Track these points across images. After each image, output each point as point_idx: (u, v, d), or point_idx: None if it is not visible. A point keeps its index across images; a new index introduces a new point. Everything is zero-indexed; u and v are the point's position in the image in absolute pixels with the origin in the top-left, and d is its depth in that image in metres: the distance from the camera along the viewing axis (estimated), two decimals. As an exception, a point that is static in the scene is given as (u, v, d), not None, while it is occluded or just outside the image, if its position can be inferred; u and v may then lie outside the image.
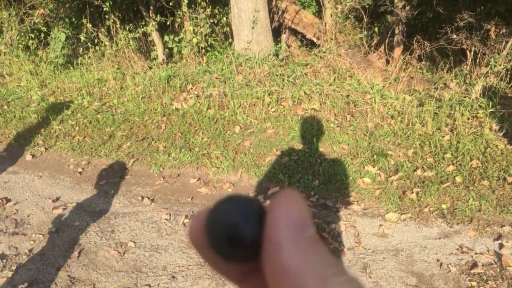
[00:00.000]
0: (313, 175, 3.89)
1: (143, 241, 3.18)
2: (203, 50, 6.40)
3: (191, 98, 5.34)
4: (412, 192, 3.53)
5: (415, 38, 5.58)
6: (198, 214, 0.34)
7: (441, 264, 2.82)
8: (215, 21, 6.64)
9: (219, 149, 4.41)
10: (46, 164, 4.50)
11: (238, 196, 0.33)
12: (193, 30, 6.34)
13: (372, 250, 3.00)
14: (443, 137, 4.24)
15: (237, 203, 0.32)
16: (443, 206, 3.39)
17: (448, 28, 5.47)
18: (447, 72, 5.49)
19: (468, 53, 5.37)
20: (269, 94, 5.10)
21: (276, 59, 5.77)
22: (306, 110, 4.94)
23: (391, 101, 4.75)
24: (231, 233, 0.30)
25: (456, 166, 3.82)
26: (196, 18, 6.44)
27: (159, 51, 7.11)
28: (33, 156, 4.63)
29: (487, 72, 4.95)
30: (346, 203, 3.54)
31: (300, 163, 4.08)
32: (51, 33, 7.29)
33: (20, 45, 7.43)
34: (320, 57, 5.76)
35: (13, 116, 5.51)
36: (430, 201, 3.45)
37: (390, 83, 5.20)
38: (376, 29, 6.83)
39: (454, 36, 5.38)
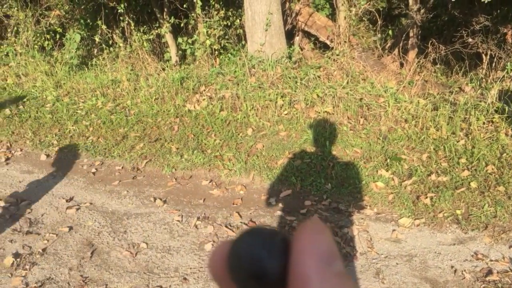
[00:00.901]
0: (326, 179, 3.87)
1: (155, 242, 3.19)
2: (216, 52, 6.42)
3: (204, 99, 5.36)
4: (426, 197, 3.49)
5: (430, 42, 5.53)
6: (219, 246, 0.33)
7: (455, 271, 2.79)
8: (229, 23, 6.66)
9: (232, 151, 4.41)
10: (60, 164, 4.54)
11: (261, 228, 0.32)
12: (207, 32, 6.36)
13: (385, 256, 2.97)
14: (458, 141, 4.19)
15: (260, 236, 0.31)
16: (458, 211, 3.35)
17: (463, 32, 5.41)
18: (462, 75, 5.42)
19: (484, 56, 5.31)
20: (281, 97, 5.09)
21: (289, 62, 5.76)
22: (319, 113, 4.92)
23: (405, 105, 4.70)
24: (255, 268, 0.29)
25: (471, 171, 3.77)
26: (210, 20, 6.46)
27: (172, 53, 7.15)
28: (48, 156, 4.68)
29: (503, 76, 4.88)
30: (359, 207, 3.52)
31: (312, 166, 4.06)
32: (67, 34, 7.37)
33: (35, 46, 7.54)
34: (333, 59, 5.74)
35: (29, 116, 5.58)
36: (445, 207, 3.40)
37: (404, 86, 5.15)
38: (390, 32, 6.78)
39: (470, 39, 5.32)
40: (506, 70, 4.86)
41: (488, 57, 5.24)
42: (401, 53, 6.04)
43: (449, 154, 4.03)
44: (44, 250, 3.10)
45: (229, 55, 6.34)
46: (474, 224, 3.22)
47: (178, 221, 3.44)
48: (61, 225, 3.42)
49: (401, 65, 6.11)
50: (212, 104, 5.26)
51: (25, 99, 6.16)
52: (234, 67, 5.79)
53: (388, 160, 4.03)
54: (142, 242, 3.18)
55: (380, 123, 4.64)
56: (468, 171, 3.77)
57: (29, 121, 5.47)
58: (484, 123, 4.36)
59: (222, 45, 6.54)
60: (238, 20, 6.69)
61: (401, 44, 5.98)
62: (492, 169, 3.75)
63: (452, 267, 2.82)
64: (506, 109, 4.34)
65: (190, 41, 6.65)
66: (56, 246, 3.16)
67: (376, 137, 4.42)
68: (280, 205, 3.62)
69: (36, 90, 6.38)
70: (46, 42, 7.52)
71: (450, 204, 3.42)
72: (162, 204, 3.70)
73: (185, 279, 2.80)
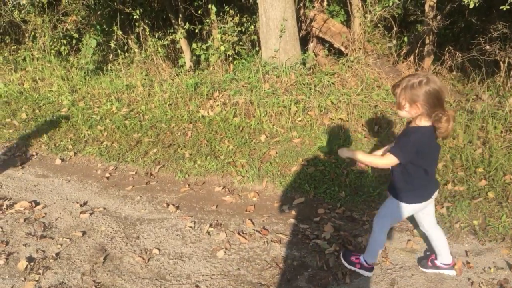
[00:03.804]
0: (340, 186, 3.83)
1: (167, 248, 3.18)
2: (230, 58, 6.43)
3: (217, 105, 5.36)
4: (443, 207, 3.43)
5: (446, 49, 5.46)
6: None
7: (472, 283, 2.72)
8: (243, 30, 6.67)
9: (245, 158, 4.40)
10: (75, 168, 4.57)
11: None
12: (221, 38, 6.38)
13: (400, 266, 2.92)
14: (475, 150, 4.12)
15: None
16: (475, 222, 3.28)
17: (481, 39, 5.33)
18: (479, 83, 5.34)
19: (501, 64, 5.22)
20: (295, 103, 5.07)
21: (303, 68, 5.74)
22: (333, 119, 4.89)
23: (421, 113, 4.64)
24: None
25: (489, 181, 3.70)
26: (224, 26, 6.48)
27: (186, 58, 7.18)
28: (63, 160, 4.72)
29: (522, 84, 4.80)
30: (373, 216, 3.45)
31: (326, 174, 4.03)
32: (83, 39, 7.45)
33: (52, 51, 7.64)
34: (348, 66, 5.70)
35: (44, 121, 5.64)
36: (461, 217, 3.34)
37: (419, 94, 5.08)
38: (405, 39, 6.72)
39: (488, 47, 5.24)
40: (524, 78, 4.78)
41: (506, 64, 5.15)
42: (416, 60, 5.98)
43: (466, 163, 3.96)
44: (57, 254, 3.11)
45: (243, 61, 6.34)
46: (491, 235, 3.15)
47: (191, 227, 3.43)
48: (74, 229, 3.44)
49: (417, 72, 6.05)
50: (225, 110, 5.26)
51: (41, 104, 6.24)
52: (248, 73, 5.79)
53: (403, 169, 3.97)
54: (154, 248, 3.17)
55: (395, 130, 4.58)
56: (486, 180, 3.70)
57: (44, 125, 5.53)
58: (501, 132, 4.28)
59: (236, 51, 6.55)
60: (252, 26, 6.70)
61: (416, 51, 5.92)
62: (510, 179, 3.68)
63: (468, 279, 2.76)
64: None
65: (204, 47, 6.68)
66: (70, 250, 3.17)
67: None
68: (293, 212, 3.59)
69: (52, 95, 6.45)
70: (63, 47, 7.62)
71: (467, 214, 3.36)
72: (174, 210, 3.69)
73: (197, 286, 2.79)
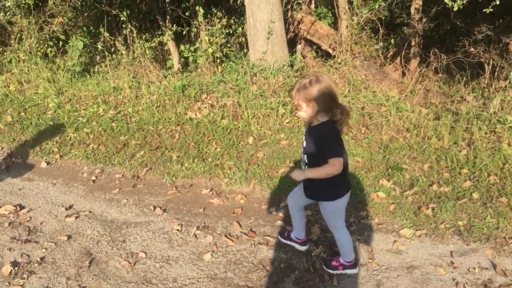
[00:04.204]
0: (327, 188, 3.84)
1: (154, 251, 3.16)
2: (218, 60, 6.43)
3: (205, 107, 5.35)
4: (428, 208, 3.46)
5: (431, 51, 5.52)
6: None
7: (457, 284, 2.75)
8: (231, 31, 6.67)
9: (232, 160, 4.40)
10: (61, 171, 4.53)
11: None
12: (209, 40, 6.37)
13: (386, 267, 2.93)
14: (460, 151, 4.16)
15: None
16: (460, 223, 3.32)
17: (465, 41, 5.40)
18: (464, 85, 5.40)
19: (486, 66, 5.29)
20: (283, 105, 5.08)
21: (291, 70, 5.76)
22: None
23: (407, 114, 4.69)
24: None
25: (473, 182, 3.74)
26: (212, 28, 6.47)
27: (174, 60, 7.16)
28: (48, 163, 4.67)
29: (506, 86, 4.86)
30: (359, 217, 3.49)
31: (313, 176, 4.03)
32: (69, 41, 7.40)
33: (38, 53, 7.56)
34: (335, 68, 5.74)
35: (30, 123, 5.58)
36: (446, 218, 3.37)
37: (406, 95, 5.14)
38: (392, 41, 6.78)
39: (472, 49, 5.31)
40: (508, 80, 4.84)
41: (490, 66, 5.22)
42: (403, 62, 6.03)
43: (451, 164, 4.00)
44: (42, 259, 3.08)
45: (231, 63, 6.34)
46: (476, 235, 3.19)
47: (178, 230, 3.41)
48: (60, 233, 3.40)
49: (403, 74, 6.10)
50: (213, 112, 5.25)
51: (26, 106, 6.17)
52: (236, 75, 5.79)
53: (390, 170, 4.00)
54: (140, 251, 3.15)
55: (381, 132, 4.62)
56: (470, 181, 3.74)
57: (30, 128, 5.48)
58: (486, 133, 4.34)
59: (224, 53, 6.55)
60: (240, 28, 6.70)
61: (403, 53, 5.97)
62: (495, 179, 3.72)
63: (453, 279, 2.78)
64: (509, 119, 4.32)
65: (192, 48, 6.67)
66: (55, 255, 3.14)
67: (378, 147, 4.40)
68: (281, 214, 3.60)
69: (38, 97, 6.39)
70: (49, 49, 7.55)
71: (452, 215, 3.39)
72: (161, 213, 3.68)
73: (183, 289, 2.78)
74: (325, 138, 2.28)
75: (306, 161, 2.44)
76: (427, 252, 3.08)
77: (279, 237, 3.17)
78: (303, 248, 3.05)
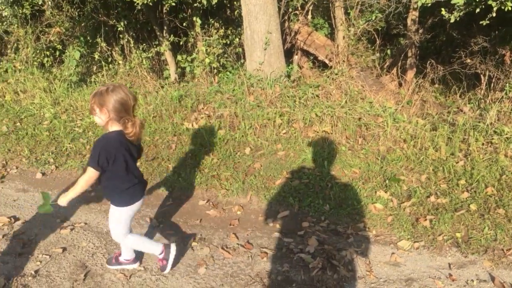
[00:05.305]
0: (324, 199, 3.83)
1: (150, 264, 3.13)
2: (215, 70, 6.43)
3: (202, 118, 5.34)
4: (426, 220, 3.45)
5: (428, 62, 5.54)
6: None
7: (455, 296, 2.73)
8: (228, 42, 6.68)
9: (229, 171, 4.38)
10: (56, 182, 4.50)
11: None
12: (206, 50, 6.38)
13: (384, 280, 2.91)
14: (457, 162, 4.16)
15: None
16: (458, 234, 3.30)
17: (462, 52, 5.43)
18: (460, 96, 5.42)
19: (482, 77, 5.32)
20: (280, 116, 5.08)
21: (288, 81, 5.77)
22: (317, 132, 4.90)
23: (404, 125, 4.69)
24: None
25: (471, 193, 3.73)
26: (209, 38, 6.48)
27: (171, 71, 7.16)
28: (43, 174, 4.64)
29: (502, 97, 4.88)
30: (357, 229, 3.47)
31: (310, 187, 4.02)
32: (66, 51, 7.38)
33: (35, 63, 7.54)
34: (332, 79, 5.75)
35: (25, 134, 5.55)
36: (444, 229, 3.36)
37: (402, 106, 5.15)
38: (388, 52, 6.81)
39: (468, 60, 5.34)
40: (505, 91, 4.86)
41: (486, 77, 5.25)
42: (399, 73, 6.06)
43: (448, 175, 4.00)
44: (36, 272, 3.03)
45: (228, 73, 6.35)
46: (474, 247, 3.17)
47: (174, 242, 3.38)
48: (54, 245, 3.36)
49: (400, 84, 6.12)
50: (210, 122, 5.24)
51: (22, 116, 6.14)
52: (233, 86, 5.79)
53: (387, 181, 3.99)
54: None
55: (378, 143, 4.62)
56: (468, 192, 3.74)
57: (25, 138, 5.44)
58: (483, 144, 4.34)
59: (221, 63, 6.56)
60: (237, 39, 6.72)
61: (399, 64, 6.00)
62: (492, 191, 3.72)
63: (452, 292, 2.76)
64: (505, 130, 4.32)
65: (189, 59, 6.67)
66: (49, 267, 3.09)
67: (375, 157, 4.39)
68: (278, 226, 3.57)
69: (34, 107, 6.36)
70: (46, 59, 7.53)
71: (449, 226, 3.38)
72: (158, 225, 3.64)
73: (179, 303, 2.74)
74: (95, 146, 2.41)
75: None
76: (425, 264, 3.06)
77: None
78: (133, 266, 3.09)
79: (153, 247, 2.93)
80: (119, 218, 2.70)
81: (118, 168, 2.49)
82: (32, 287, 2.89)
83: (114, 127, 2.43)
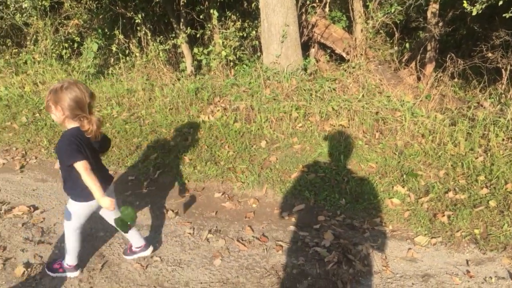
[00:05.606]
0: (340, 194, 3.81)
1: (166, 255, 3.15)
2: (232, 63, 6.42)
3: (218, 110, 5.34)
4: (444, 215, 3.41)
5: (448, 55, 5.44)
6: None
7: (473, 293, 2.70)
8: (244, 35, 6.66)
9: (245, 164, 4.38)
10: (74, 172, 4.55)
11: None
12: (223, 43, 6.37)
13: (400, 275, 2.89)
14: (476, 158, 4.09)
15: None
16: (476, 231, 3.26)
17: (483, 46, 5.32)
18: (480, 90, 5.32)
19: (503, 71, 5.20)
20: (296, 109, 5.05)
21: (305, 74, 5.73)
22: (334, 126, 4.87)
23: (422, 119, 4.63)
24: None
25: (490, 190, 3.67)
26: (226, 31, 6.47)
27: (188, 63, 7.17)
28: (62, 164, 4.69)
29: (524, 92, 4.77)
30: (373, 224, 3.44)
31: (326, 181, 4.00)
32: (84, 43, 7.45)
33: (54, 54, 7.63)
34: (349, 72, 5.69)
35: (44, 124, 5.62)
36: (462, 225, 3.31)
37: (421, 100, 5.07)
38: (407, 45, 6.71)
39: (490, 54, 5.23)
40: (526, 86, 4.76)
41: (508, 72, 5.13)
42: (418, 67, 5.97)
43: (467, 171, 3.94)
44: (55, 260, 3.08)
45: (244, 66, 6.33)
46: (493, 244, 3.13)
47: (190, 233, 3.40)
48: (72, 235, 3.41)
49: (418, 78, 6.03)
50: (226, 115, 5.24)
51: (41, 107, 6.22)
52: (249, 79, 5.78)
53: (404, 176, 3.95)
54: (153, 254, 3.14)
55: (396, 137, 4.56)
56: (487, 189, 3.68)
57: (44, 129, 5.52)
58: (503, 139, 4.26)
59: (237, 56, 6.54)
60: (254, 32, 6.69)
61: (418, 58, 5.90)
62: (512, 187, 3.65)
63: (470, 289, 2.73)
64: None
65: (205, 51, 6.67)
66: (67, 256, 3.14)
67: (392, 152, 4.35)
68: (293, 219, 3.57)
69: (52, 98, 6.42)
70: (64, 51, 7.61)
71: (468, 223, 3.33)
72: (174, 216, 3.67)
73: (195, 294, 2.76)
74: (61, 147, 2.39)
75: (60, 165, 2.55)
76: (442, 260, 3.03)
77: (126, 257, 3.14)
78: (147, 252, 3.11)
79: (75, 257, 2.92)
80: (76, 212, 2.67)
81: None
82: (51, 275, 2.94)
83: (71, 124, 2.41)
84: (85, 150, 2.41)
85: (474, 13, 4.40)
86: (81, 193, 2.53)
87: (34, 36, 7.97)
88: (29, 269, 2.99)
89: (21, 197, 4.04)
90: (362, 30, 6.01)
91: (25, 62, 7.75)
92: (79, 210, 2.66)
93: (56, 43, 7.79)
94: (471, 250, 3.12)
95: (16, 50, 8.25)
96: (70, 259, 2.90)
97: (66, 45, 7.70)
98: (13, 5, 7.44)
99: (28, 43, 8.09)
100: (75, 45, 7.75)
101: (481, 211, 3.43)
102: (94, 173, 2.41)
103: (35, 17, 7.79)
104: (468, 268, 2.93)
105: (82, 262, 3.05)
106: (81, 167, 2.34)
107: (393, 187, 3.83)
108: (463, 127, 4.41)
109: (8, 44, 8.43)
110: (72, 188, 2.58)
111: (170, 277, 2.92)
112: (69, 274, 2.92)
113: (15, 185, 4.29)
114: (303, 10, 6.54)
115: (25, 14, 7.87)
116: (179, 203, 3.90)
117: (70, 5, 7.89)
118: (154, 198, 3.99)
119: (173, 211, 3.74)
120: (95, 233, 3.43)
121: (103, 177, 2.66)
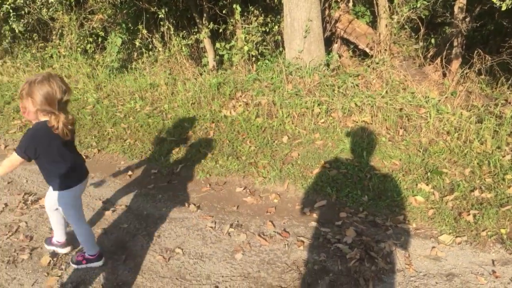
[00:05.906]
0: (362, 190, 3.77)
1: (188, 248, 3.18)
2: (254, 58, 6.41)
3: (240, 105, 5.35)
4: (469, 214, 3.34)
5: (475, 51, 5.32)
6: None
7: (499, 294, 2.64)
8: (267, 30, 6.64)
9: (266, 159, 4.38)
10: (99, 165, 4.63)
11: None
12: (245, 38, 6.37)
13: (423, 274, 2.85)
14: (503, 156, 4.00)
15: None
16: (502, 230, 3.19)
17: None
18: (508, 88, 5.19)
19: (533, 68, 5.07)
20: (318, 105, 5.02)
21: (327, 69, 5.69)
22: (357, 122, 4.82)
23: (448, 116, 4.54)
24: None
25: (518, 189, 3.58)
26: (248, 26, 6.46)
27: (210, 58, 7.19)
28: (87, 157, 4.78)
29: (554, 89, 4.64)
30: (396, 221, 3.40)
31: (348, 177, 3.97)
32: (108, 37, 7.54)
33: (78, 49, 7.75)
34: (373, 68, 5.62)
35: (70, 117, 5.71)
36: (488, 225, 3.24)
37: (446, 97, 4.98)
38: (432, 41, 6.59)
39: (519, 50, 5.09)
40: (557, 83, 4.62)
41: (537, 69, 5.00)
42: (444, 63, 5.85)
43: (494, 170, 3.85)
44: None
45: (267, 61, 6.32)
46: (520, 245, 3.06)
47: (211, 227, 3.42)
48: (97, 226, 3.47)
49: (444, 75, 5.92)
50: (248, 110, 5.24)
51: (67, 100, 6.32)
52: (271, 74, 5.76)
53: (429, 174, 3.89)
54: (175, 247, 3.18)
55: (420, 134, 4.50)
56: (515, 188, 3.59)
57: (70, 122, 5.60)
58: (532, 138, 4.15)
59: (259, 51, 6.53)
60: (276, 27, 6.67)
61: (444, 53, 5.79)
62: (541, 187, 3.56)
63: (496, 290, 2.68)
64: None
65: (228, 46, 6.68)
66: (92, 247, 3.19)
67: (416, 149, 4.29)
68: (315, 215, 3.55)
69: (77, 92, 6.54)
70: (89, 45, 7.72)
71: (494, 222, 3.26)
72: (195, 210, 3.69)
73: (216, 287, 2.78)
74: (25, 135, 2.43)
75: None
76: (467, 260, 2.97)
77: (45, 244, 3.20)
78: (64, 251, 3.15)
79: (93, 245, 2.97)
80: (68, 203, 2.72)
81: (51, 154, 2.51)
82: (74, 267, 2.99)
83: (43, 118, 2.42)
84: (49, 145, 2.47)
85: (503, 8, 4.29)
86: (61, 183, 2.62)
87: (60, 31, 8.11)
88: (54, 259, 3.06)
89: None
90: (386, 25, 5.93)
91: (51, 56, 7.90)
92: (67, 199, 2.71)
93: (81, 38, 7.91)
94: (497, 250, 3.06)
95: (42, 44, 8.41)
96: (89, 248, 2.95)
97: (91, 39, 7.80)
98: (39, 0, 7.57)
99: (54, 37, 8.23)
100: (100, 39, 7.85)
101: (508, 210, 3.36)
102: (68, 163, 2.58)
103: (61, 11, 7.91)
104: (494, 268, 2.88)
105: (105, 253, 3.10)
106: (13, 159, 2.45)
107: (417, 184, 3.77)
108: (490, 125, 4.31)
109: (35, 39, 8.59)
110: (50, 180, 2.67)
111: (192, 269, 2.95)
112: (92, 265, 2.97)
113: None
114: (327, 5, 6.48)
115: (51, 9, 8.00)
116: (200, 197, 3.92)
117: (94, 0, 7.99)
118: (176, 191, 4.03)
119: (195, 204, 3.77)
120: (118, 225, 3.48)
121: (77, 171, 2.73)
